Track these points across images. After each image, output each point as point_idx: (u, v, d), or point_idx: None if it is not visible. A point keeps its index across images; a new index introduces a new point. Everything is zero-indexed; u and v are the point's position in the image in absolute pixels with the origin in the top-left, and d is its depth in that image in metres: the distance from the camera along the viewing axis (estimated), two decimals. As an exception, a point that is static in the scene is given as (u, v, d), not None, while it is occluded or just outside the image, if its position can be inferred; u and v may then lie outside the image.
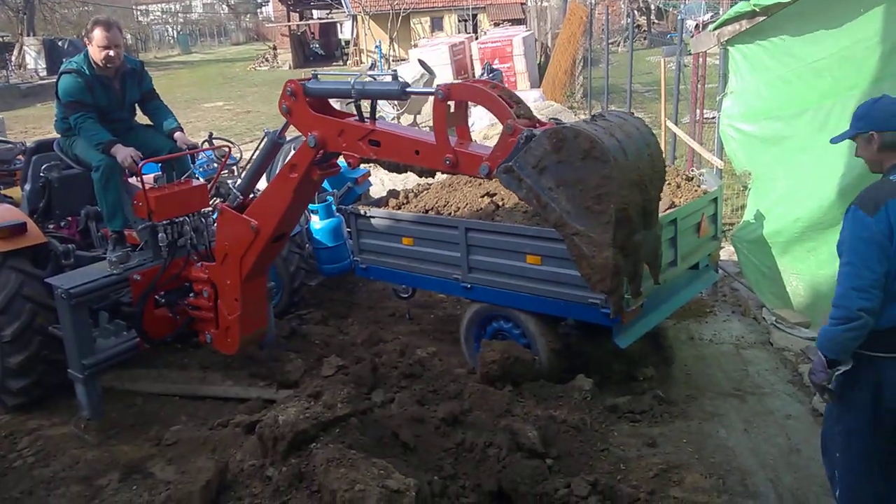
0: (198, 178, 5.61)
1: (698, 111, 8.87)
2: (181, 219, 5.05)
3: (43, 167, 5.75)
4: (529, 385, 5.42)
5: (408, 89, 3.66)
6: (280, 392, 5.08)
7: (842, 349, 3.19)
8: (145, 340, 5.15)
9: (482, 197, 6.09)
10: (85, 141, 5.24)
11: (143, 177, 4.88)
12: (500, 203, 6.03)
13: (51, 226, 5.87)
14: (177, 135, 5.54)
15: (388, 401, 4.80)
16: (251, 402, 5.03)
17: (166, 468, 4.33)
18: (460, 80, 3.66)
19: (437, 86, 3.44)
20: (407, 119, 15.75)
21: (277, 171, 7.06)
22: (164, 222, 4.97)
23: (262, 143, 4.69)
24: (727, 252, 7.85)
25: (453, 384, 5.22)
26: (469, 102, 3.52)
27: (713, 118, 8.10)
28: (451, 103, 3.47)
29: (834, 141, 3.58)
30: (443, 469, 4.23)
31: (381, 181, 10.77)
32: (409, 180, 7.79)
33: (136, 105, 5.72)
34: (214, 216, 6.22)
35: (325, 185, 7.83)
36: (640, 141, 3.09)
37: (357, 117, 3.90)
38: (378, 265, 6.23)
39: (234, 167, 8.71)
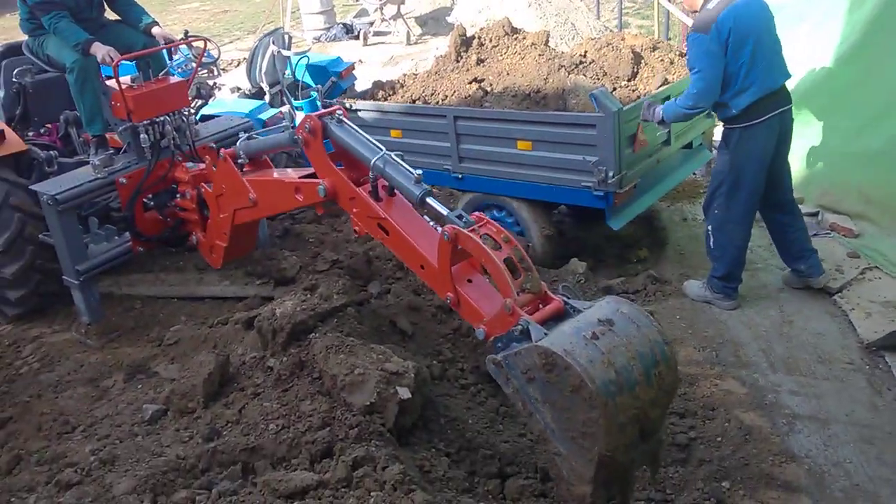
0: (175, 77, 5.43)
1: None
2: (162, 118, 4.92)
3: (15, 72, 5.55)
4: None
5: (427, 200, 3.28)
6: (277, 289, 5.10)
7: (675, 120, 4.95)
8: (138, 244, 5.13)
9: (470, 83, 5.93)
10: (60, 41, 5.02)
11: (120, 78, 4.72)
12: (489, 89, 5.87)
13: (30, 134, 5.72)
14: (154, 30, 5.30)
15: (384, 291, 4.82)
16: (249, 299, 5.06)
17: (169, 367, 4.39)
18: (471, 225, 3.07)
19: (445, 228, 3.07)
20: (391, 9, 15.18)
21: (256, 70, 6.78)
22: (145, 122, 4.85)
23: (277, 131, 4.39)
24: (721, 130, 7.73)
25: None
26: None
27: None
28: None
29: None
30: (441, 353, 4.31)
31: (365, 74, 10.48)
32: (396, 70, 7.55)
33: (105, 3, 5.46)
34: (197, 118, 6.12)
35: (309, 80, 7.62)
36: (649, 360, 2.66)
37: (371, 194, 3.57)
38: (367, 159, 6.12)
39: (213, 66, 8.46)
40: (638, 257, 5.99)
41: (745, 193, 4.79)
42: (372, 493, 2.78)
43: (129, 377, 4.36)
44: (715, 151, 7.26)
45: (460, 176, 5.75)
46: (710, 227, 5.00)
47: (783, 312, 4.95)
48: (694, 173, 7.29)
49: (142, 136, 4.87)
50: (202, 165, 5.00)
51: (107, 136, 5.30)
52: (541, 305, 2.91)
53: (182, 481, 3.19)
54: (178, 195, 5.06)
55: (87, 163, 5.05)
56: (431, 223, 3.45)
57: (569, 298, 2.91)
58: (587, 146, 5.02)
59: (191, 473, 3.24)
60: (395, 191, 3.55)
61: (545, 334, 2.66)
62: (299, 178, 4.05)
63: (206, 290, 5.30)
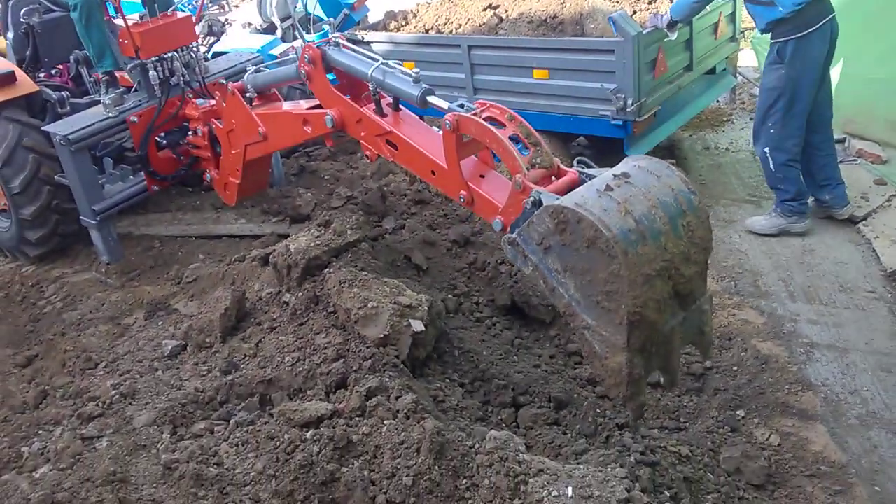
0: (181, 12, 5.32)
1: None
2: (170, 54, 4.86)
3: (22, 12, 5.48)
4: (541, 204, 5.39)
5: (428, 98, 3.20)
6: (292, 226, 5.11)
7: (683, 16, 4.83)
8: (153, 183, 5.14)
9: (484, 10, 5.76)
10: None
11: (128, 16, 4.66)
12: (504, 16, 5.70)
13: (41, 75, 5.69)
14: None
15: (398, 227, 4.81)
16: (265, 237, 5.08)
17: (189, 304, 4.44)
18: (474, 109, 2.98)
19: (446, 114, 2.96)
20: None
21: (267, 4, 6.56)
22: (153, 59, 4.79)
23: (286, 63, 4.24)
24: (746, 56, 7.47)
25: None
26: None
27: None
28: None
29: None
30: (456, 287, 4.30)
31: (378, 5, 10.23)
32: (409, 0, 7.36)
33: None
34: (209, 55, 6.04)
35: (321, 13, 7.45)
36: (674, 209, 2.41)
37: (376, 108, 3.53)
38: (381, 93, 6.02)
39: (223, 2, 8.30)
40: (657, 188, 5.87)
41: (802, 106, 4.66)
42: (385, 422, 2.81)
43: (150, 315, 4.43)
44: (739, 77, 7.04)
45: (475, 108, 5.63)
46: (766, 150, 4.82)
47: (805, 241, 4.86)
48: (717, 100, 7.09)
49: (151, 73, 4.82)
50: (213, 102, 4.96)
51: (117, 75, 5.27)
52: (554, 179, 2.76)
53: (201, 413, 3.26)
54: (190, 133, 5.04)
55: (99, 102, 5.02)
56: (437, 130, 3.38)
57: (584, 169, 2.75)
58: (605, 73, 4.88)
59: (209, 405, 3.31)
60: (399, 104, 3.52)
61: (557, 199, 2.47)
62: (307, 108, 4.01)
63: (223, 228, 5.33)
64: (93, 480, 2.80)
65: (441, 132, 3.15)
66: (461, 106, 3.00)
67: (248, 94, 4.32)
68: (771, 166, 4.83)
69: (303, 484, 2.58)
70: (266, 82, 4.28)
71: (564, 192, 2.57)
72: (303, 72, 3.79)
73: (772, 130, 4.75)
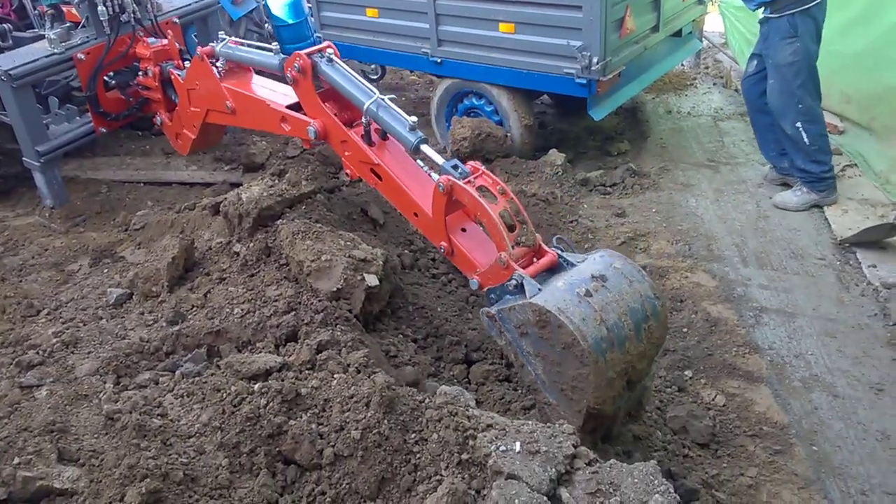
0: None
1: None
2: (120, -11, 4.64)
3: (-41, -64, 5.17)
4: (501, 162, 5.34)
5: (422, 148, 3.19)
6: (246, 175, 4.98)
7: None
8: (101, 124, 4.94)
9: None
10: None
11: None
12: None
13: (-19, 5, 5.40)
14: None
15: (356, 179, 4.71)
16: (217, 185, 4.95)
17: (136, 252, 4.31)
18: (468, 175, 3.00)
19: (440, 176, 2.97)
20: None
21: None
22: (102, -6, 4.57)
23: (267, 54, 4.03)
24: (713, 21, 7.46)
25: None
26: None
27: None
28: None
29: None
30: (413, 243, 4.25)
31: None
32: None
33: None
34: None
35: None
36: (640, 315, 2.67)
37: (364, 138, 3.46)
38: (342, 41, 5.85)
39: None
40: (618, 150, 5.87)
41: (817, 74, 4.71)
42: (336, 375, 2.76)
43: (95, 262, 4.29)
44: (705, 42, 7.03)
45: (439, 60, 5.52)
46: (799, 124, 4.70)
47: (760, 207, 4.92)
48: (682, 64, 7.08)
49: (100, 7, 4.60)
50: (165, 42, 4.76)
51: (63, 9, 5.01)
52: (535, 259, 2.89)
53: (146, 363, 3.18)
54: (140, 73, 4.83)
55: (44, 37, 4.78)
56: (425, 168, 3.35)
57: (562, 251, 2.89)
58: (572, 29, 4.80)
59: (155, 356, 3.23)
60: (388, 135, 3.44)
61: (539, 290, 2.67)
62: (287, 107, 3.88)
63: (173, 175, 5.18)
64: (30, 430, 2.71)
65: (428, 173, 3.24)
66: (455, 167, 3.00)
67: (217, 64, 4.17)
68: (806, 140, 4.72)
69: (249, 436, 2.53)
70: (241, 60, 4.16)
71: (544, 272, 2.81)
72: (290, 77, 3.68)
73: (800, 105, 4.68)
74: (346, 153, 3.62)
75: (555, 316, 2.53)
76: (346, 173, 3.72)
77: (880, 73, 5.30)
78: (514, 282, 2.75)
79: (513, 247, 2.83)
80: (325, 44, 3.70)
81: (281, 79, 3.97)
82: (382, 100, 3.36)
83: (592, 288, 2.63)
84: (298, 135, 3.85)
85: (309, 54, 3.59)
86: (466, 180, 2.95)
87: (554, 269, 2.85)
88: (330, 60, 3.60)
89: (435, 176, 3.11)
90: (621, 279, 2.71)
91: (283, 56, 3.79)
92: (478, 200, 2.87)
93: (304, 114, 3.77)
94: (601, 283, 2.66)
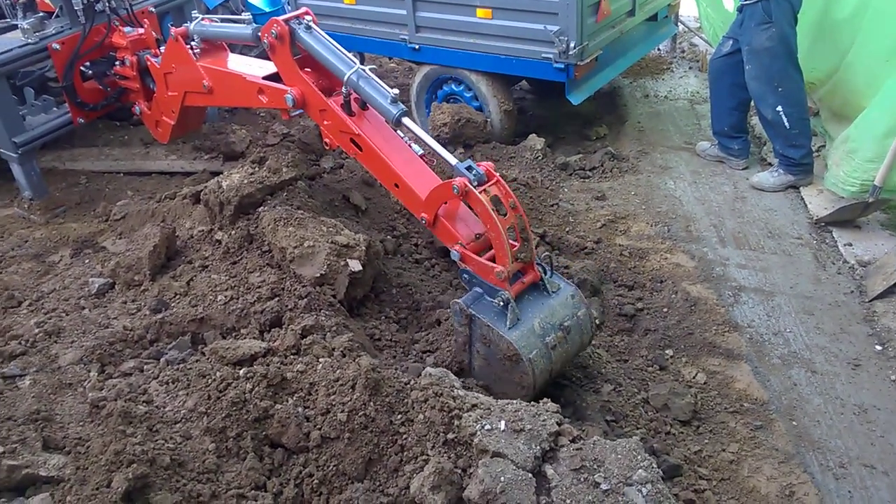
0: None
1: None
2: (95, -22, 4.58)
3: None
4: (481, 147, 5.36)
5: (403, 120, 3.16)
6: (226, 164, 4.96)
7: None
8: (78, 115, 4.89)
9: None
10: None
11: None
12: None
13: (-48, -5, 5.29)
14: None
15: (337, 166, 4.71)
16: (197, 174, 4.91)
17: (117, 241, 4.28)
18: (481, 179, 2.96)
19: (455, 181, 2.90)
20: None
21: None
22: (76, -18, 4.51)
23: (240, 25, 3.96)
24: (687, 5, 7.49)
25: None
26: None
27: None
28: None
29: None
30: (395, 229, 4.27)
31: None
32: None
33: None
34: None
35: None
36: (574, 352, 3.06)
37: (344, 107, 3.39)
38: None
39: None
40: (597, 134, 5.91)
41: (795, 57, 4.70)
42: (320, 360, 2.79)
43: (76, 252, 4.26)
44: (680, 26, 7.07)
45: (417, 47, 5.52)
46: (780, 108, 4.70)
47: (737, 189, 4.98)
48: (658, 48, 7.13)
49: (74, -3, 4.53)
50: (141, 31, 4.71)
51: (36, -2, 4.95)
52: (521, 275, 2.97)
53: (130, 352, 3.18)
54: (117, 62, 4.78)
55: (16, 27, 4.71)
56: (405, 139, 3.33)
57: (545, 270, 3.02)
58: (549, 14, 4.82)
59: (139, 344, 3.23)
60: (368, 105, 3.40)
61: (518, 320, 2.84)
62: (264, 77, 3.81)
63: (153, 164, 5.14)
64: (14, 419, 2.71)
65: (408, 143, 3.30)
66: (469, 168, 2.96)
67: (192, 43, 4.11)
68: (786, 124, 4.73)
69: (235, 421, 2.55)
70: (215, 36, 4.08)
71: (525, 289, 2.96)
72: (266, 42, 3.59)
73: (780, 89, 4.69)
74: (325, 122, 3.56)
75: (524, 364, 2.79)
76: (326, 143, 3.65)
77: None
78: (502, 300, 2.84)
79: (512, 261, 2.86)
80: (302, 10, 3.60)
81: (262, 55, 3.91)
82: (363, 70, 3.30)
83: (558, 340, 2.90)
84: (276, 105, 3.76)
85: (286, 20, 3.51)
86: (482, 189, 2.89)
87: (535, 286, 2.99)
88: (308, 27, 3.51)
89: (416, 147, 3.11)
90: (577, 333, 3.01)
91: (256, 25, 3.72)
92: (491, 214, 2.84)
93: (282, 83, 3.70)
94: (564, 335, 2.93)
